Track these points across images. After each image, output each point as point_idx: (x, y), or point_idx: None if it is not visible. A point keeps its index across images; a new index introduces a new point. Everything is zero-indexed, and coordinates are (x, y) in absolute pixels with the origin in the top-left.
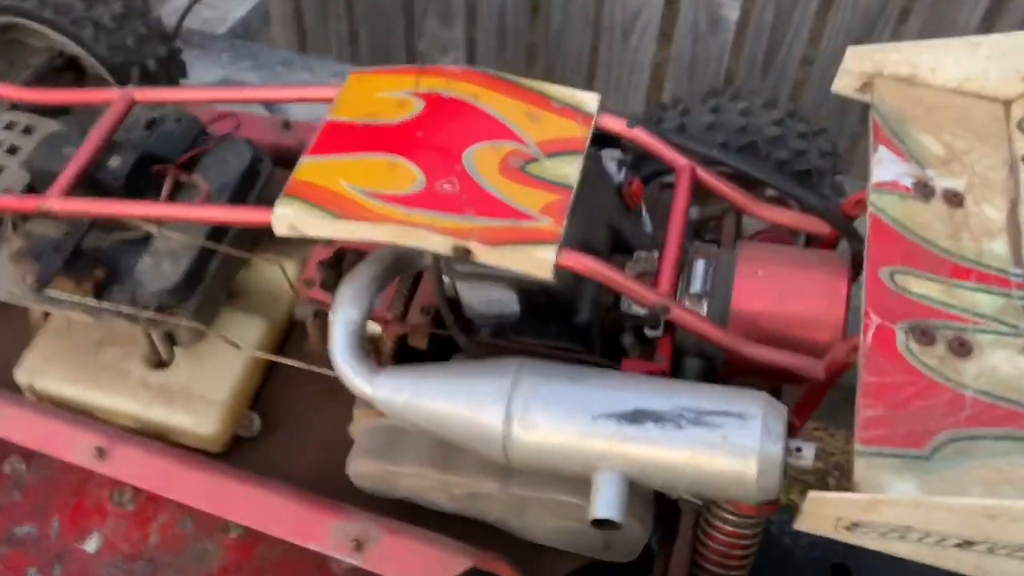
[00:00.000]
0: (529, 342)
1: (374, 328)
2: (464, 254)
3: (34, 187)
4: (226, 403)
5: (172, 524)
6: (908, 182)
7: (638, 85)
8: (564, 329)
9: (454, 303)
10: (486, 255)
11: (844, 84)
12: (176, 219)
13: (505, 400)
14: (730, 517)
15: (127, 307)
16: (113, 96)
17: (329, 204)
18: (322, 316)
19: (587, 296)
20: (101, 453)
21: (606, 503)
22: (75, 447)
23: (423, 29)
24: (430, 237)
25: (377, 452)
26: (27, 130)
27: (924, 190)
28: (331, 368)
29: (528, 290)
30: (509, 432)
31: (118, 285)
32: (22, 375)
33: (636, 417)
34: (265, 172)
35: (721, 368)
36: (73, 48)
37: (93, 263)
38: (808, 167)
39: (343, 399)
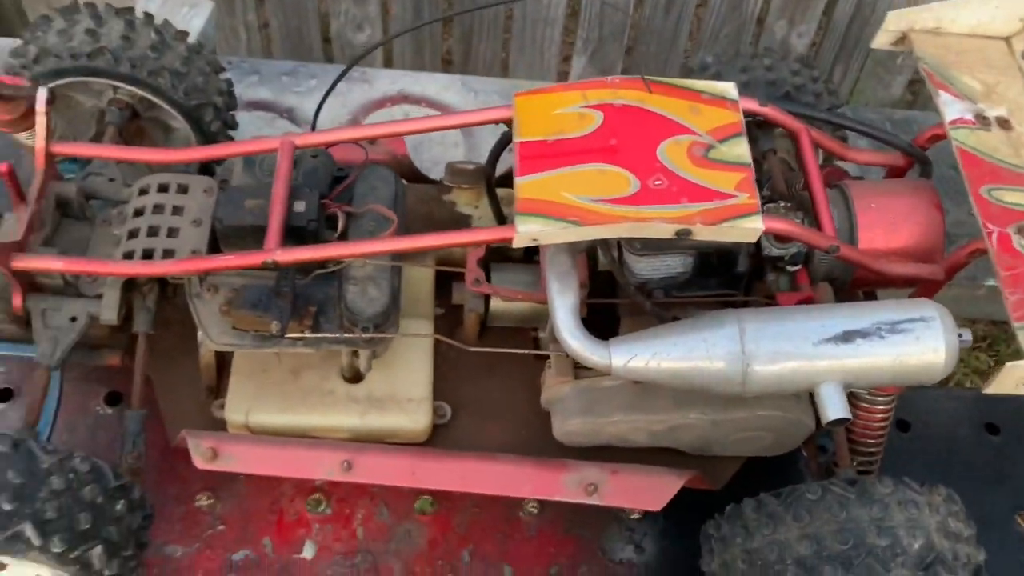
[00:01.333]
0: (694, 295)
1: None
2: (686, 235)
3: (217, 242)
4: (428, 398)
5: (371, 516)
6: (970, 116)
7: (552, 37)
8: (722, 279)
9: (605, 274)
10: (706, 233)
11: (883, 40)
12: (419, 249)
13: (739, 345)
14: (878, 399)
15: (345, 333)
16: (274, 144)
17: (565, 215)
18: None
19: (744, 248)
20: (348, 466)
21: (836, 407)
22: (323, 465)
23: (337, 9)
24: (661, 227)
25: (584, 410)
26: (182, 189)
27: (983, 121)
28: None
29: (705, 253)
30: (748, 369)
31: (323, 316)
32: (234, 414)
33: (847, 337)
34: (402, 189)
35: (847, 285)
36: (131, 96)
37: (303, 301)
38: (828, 106)
39: (499, 374)
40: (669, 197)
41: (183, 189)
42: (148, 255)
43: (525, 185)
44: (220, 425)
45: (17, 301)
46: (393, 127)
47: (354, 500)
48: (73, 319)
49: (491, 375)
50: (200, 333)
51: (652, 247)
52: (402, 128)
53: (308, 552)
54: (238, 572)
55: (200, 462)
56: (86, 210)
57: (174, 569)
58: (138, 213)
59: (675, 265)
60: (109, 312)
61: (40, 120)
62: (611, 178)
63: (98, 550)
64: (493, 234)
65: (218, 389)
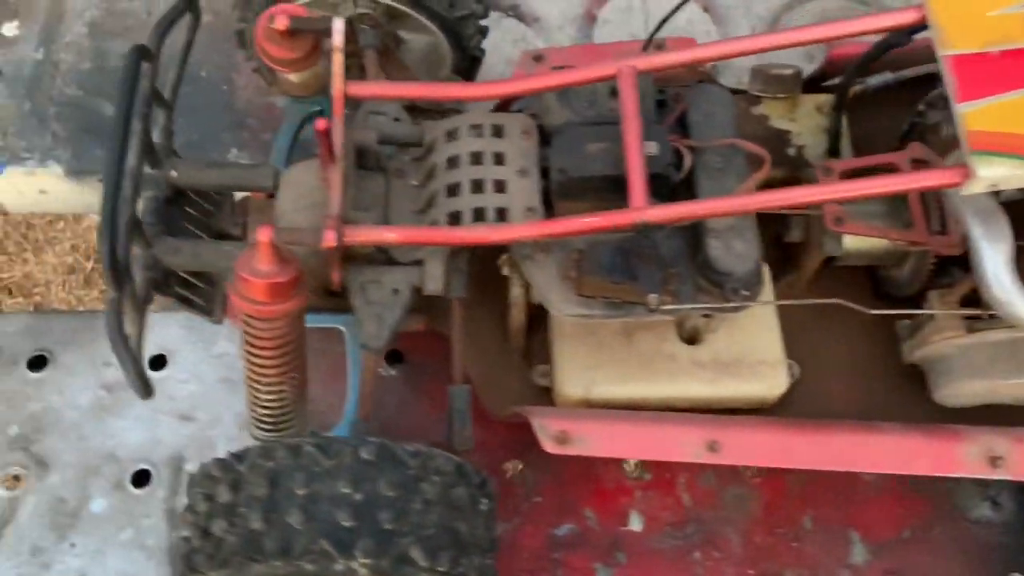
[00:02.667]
0: None
1: None
2: None
3: (549, 197)
4: (783, 359)
5: (695, 480)
6: None
7: None
8: None
9: None
10: None
11: None
12: (854, 198)
13: None
14: None
15: (704, 295)
16: (610, 70)
17: None
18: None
19: None
20: (714, 446)
21: None
22: (687, 446)
23: None
24: None
25: (982, 369)
26: (497, 132)
27: None
28: None
29: None
30: None
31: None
32: (572, 387)
33: None
34: (737, 111)
35: None
36: (373, 7)
37: (658, 261)
38: None
39: (836, 321)
40: None
41: (498, 131)
42: (479, 216)
43: (974, 114)
44: (541, 393)
45: (337, 276)
46: (775, 38)
47: (673, 464)
48: (395, 291)
49: (826, 322)
50: (514, 292)
51: None
52: (795, 37)
53: (635, 524)
54: (565, 548)
55: (550, 446)
56: (381, 160)
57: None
58: (452, 163)
59: None
60: (435, 282)
61: (338, 57)
62: None
63: (476, 561)
64: (936, 179)
65: (527, 350)
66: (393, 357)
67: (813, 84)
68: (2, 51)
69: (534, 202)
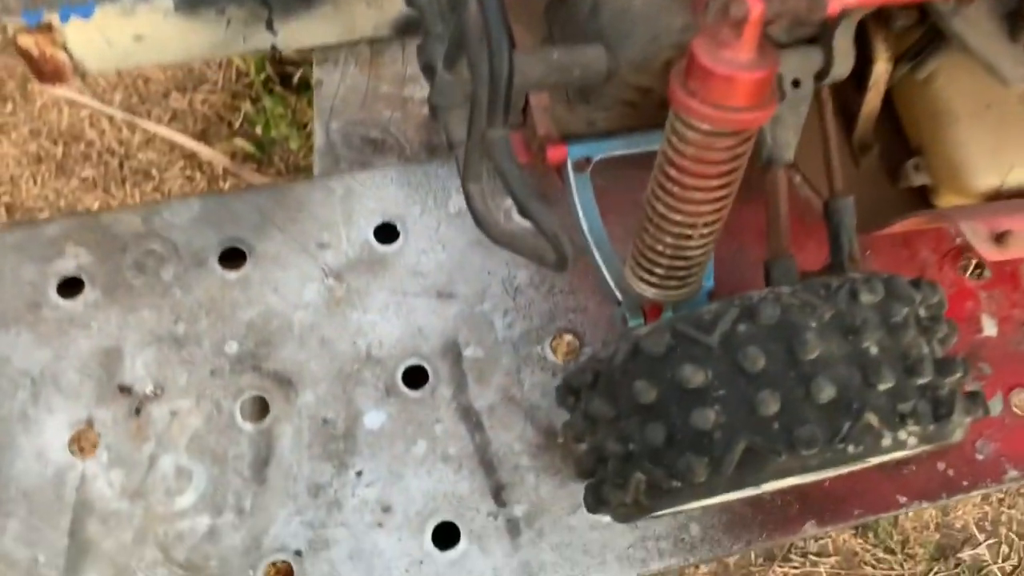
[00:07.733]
0: None
1: None
2: None
3: None
4: None
5: None
6: None
7: None
8: None
9: None
10: None
11: None
12: None
13: None
14: None
15: None
16: None
17: None
18: None
19: None
20: None
21: None
22: None
23: None
24: None
25: None
26: None
27: None
28: None
29: None
30: None
31: None
32: (984, 177)
33: None
34: None
35: None
36: None
37: None
38: None
39: None
40: None
41: None
42: None
43: None
44: (909, 195)
45: None
46: None
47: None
48: (794, 83)
49: None
50: (878, 68)
51: None
52: None
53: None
54: None
55: (990, 252)
56: None
57: None
58: None
59: None
60: (846, 62)
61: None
62: None
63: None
64: None
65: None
66: None
67: None
68: None
69: None
